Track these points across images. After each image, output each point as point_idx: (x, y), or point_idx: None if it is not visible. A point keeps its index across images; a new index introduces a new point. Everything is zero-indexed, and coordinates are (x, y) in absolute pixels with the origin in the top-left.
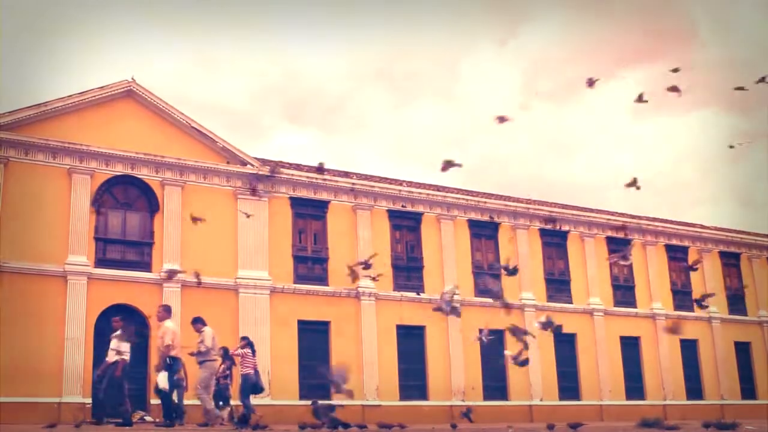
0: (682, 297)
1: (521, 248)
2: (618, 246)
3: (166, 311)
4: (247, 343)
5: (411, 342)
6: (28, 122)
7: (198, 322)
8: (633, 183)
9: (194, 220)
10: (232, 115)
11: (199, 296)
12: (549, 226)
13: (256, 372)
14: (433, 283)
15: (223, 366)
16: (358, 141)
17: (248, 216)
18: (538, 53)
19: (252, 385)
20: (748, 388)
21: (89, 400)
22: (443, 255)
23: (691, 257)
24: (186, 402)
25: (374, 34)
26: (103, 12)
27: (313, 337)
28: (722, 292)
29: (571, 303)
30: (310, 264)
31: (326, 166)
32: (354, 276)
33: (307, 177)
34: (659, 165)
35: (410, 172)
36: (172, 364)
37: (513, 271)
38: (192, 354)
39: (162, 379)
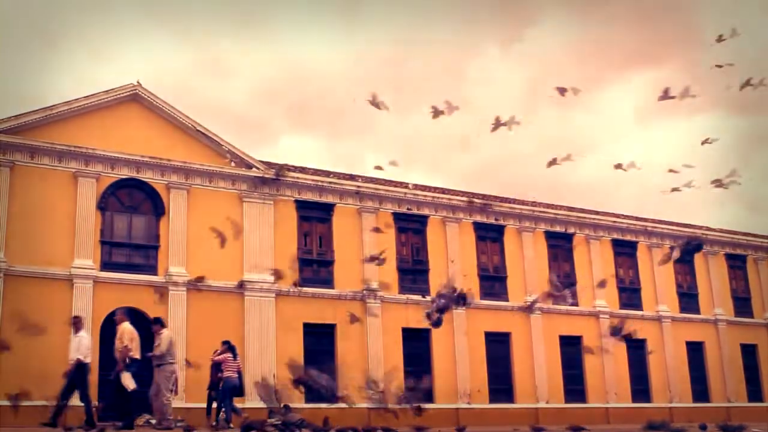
0: (688, 299)
1: (527, 251)
2: (623, 248)
3: (124, 314)
4: (228, 347)
5: (416, 345)
6: (33, 126)
7: (157, 323)
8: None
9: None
10: (237, 118)
11: (205, 299)
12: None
13: (240, 375)
14: (438, 287)
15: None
16: (363, 144)
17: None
18: (544, 56)
19: (233, 388)
20: (754, 391)
21: (96, 403)
22: (449, 258)
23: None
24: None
25: (380, 38)
26: (107, 15)
27: (319, 340)
28: (728, 295)
29: (576, 306)
30: (316, 267)
31: (332, 170)
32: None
33: (313, 180)
34: (666, 167)
35: (415, 174)
36: (131, 365)
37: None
38: (148, 356)
39: (128, 380)
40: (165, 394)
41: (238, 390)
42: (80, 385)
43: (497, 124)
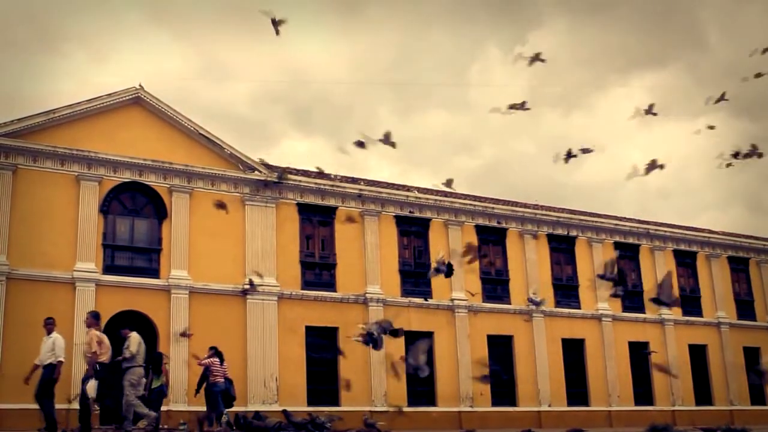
0: (691, 302)
1: (528, 253)
2: (625, 251)
3: (93, 318)
4: (215, 352)
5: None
6: (36, 129)
7: (125, 327)
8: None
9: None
10: (239, 122)
11: (207, 302)
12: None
13: (227, 380)
14: (441, 289)
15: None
16: (365, 147)
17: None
18: (546, 58)
19: (220, 393)
20: (757, 394)
21: (96, 407)
22: (451, 261)
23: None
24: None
25: (382, 40)
26: (109, 18)
27: (321, 343)
28: (731, 298)
29: (579, 308)
30: (318, 270)
31: (333, 173)
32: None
33: (315, 183)
34: (667, 169)
35: (418, 177)
36: (101, 371)
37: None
38: (116, 359)
39: (91, 388)
40: (130, 397)
41: (228, 396)
42: (52, 387)
43: None
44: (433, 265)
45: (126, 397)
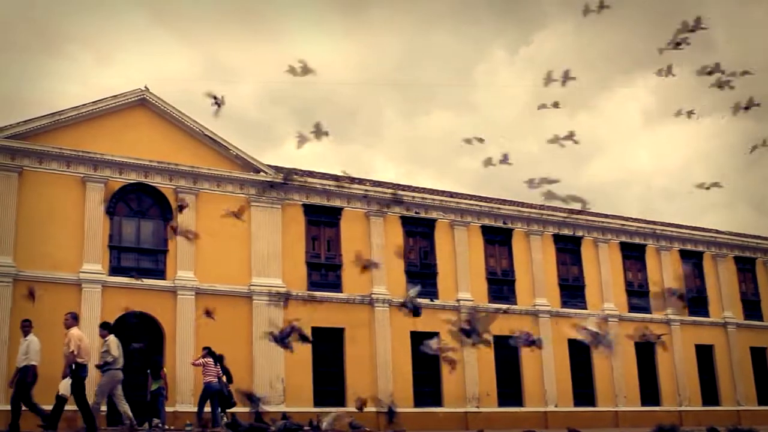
0: (697, 302)
1: (534, 254)
2: (632, 251)
3: (72, 318)
4: (209, 352)
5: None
6: (42, 131)
7: (105, 328)
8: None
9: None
10: (244, 123)
11: (213, 303)
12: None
13: (220, 381)
14: (447, 290)
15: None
16: (370, 148)
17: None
18: (551, 60)
19: (213, 394)
20: (764, 394)
21: (104, 408)
22: (457, 261)
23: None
24: (181, 409)
25: (387, 42)
26: (113, 20)
27: (327, 345)
28: (737, 298)
29: (585, 308)
30: (324, 271)
31: (340, 174)
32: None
33: (321, 184)
34: (673, 170)
35: (423, 178)
36: (77, 371)
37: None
38: (97, 365)
39: (64, 386)
40: (98, 399)
41: (223, 397)
42: (28, 389)
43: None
44: (408, 295)
45: (95, 397)
